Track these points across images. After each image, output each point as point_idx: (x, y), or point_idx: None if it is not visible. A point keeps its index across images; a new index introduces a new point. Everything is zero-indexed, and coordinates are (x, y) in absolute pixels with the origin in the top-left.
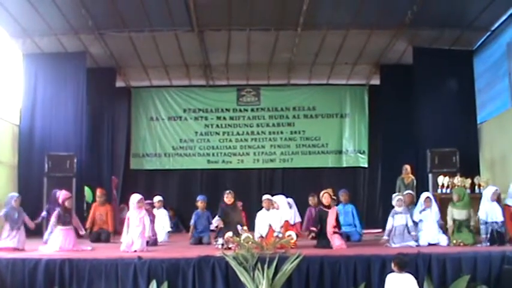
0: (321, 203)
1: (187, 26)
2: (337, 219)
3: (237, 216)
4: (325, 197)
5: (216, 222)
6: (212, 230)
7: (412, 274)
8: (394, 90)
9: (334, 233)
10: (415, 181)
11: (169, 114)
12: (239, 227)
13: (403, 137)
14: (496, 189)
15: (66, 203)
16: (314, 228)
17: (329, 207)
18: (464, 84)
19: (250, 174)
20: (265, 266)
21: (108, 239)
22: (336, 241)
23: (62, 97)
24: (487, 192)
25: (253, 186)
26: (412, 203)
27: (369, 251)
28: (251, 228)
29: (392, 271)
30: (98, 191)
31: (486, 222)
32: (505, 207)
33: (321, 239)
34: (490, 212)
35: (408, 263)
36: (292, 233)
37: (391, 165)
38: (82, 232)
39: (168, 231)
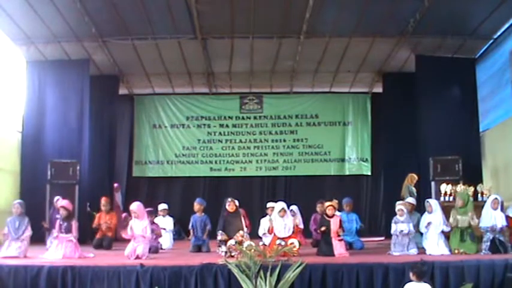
0: (324, 213)
1: (190, 33)
2: (340, 225)
3: (239, 223)
4: (330, 209)
5: (220, 236)
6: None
7: (430, 284)
8: (396, 98)
9: (339, 240)
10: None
11: (172, 122)
12: (240, 232)
13: (406, 145)
14: (496, 198)
15: (60, 211)
16: (322, 229)
17: (332, 216)
18: (466, 92)
19: (252, 182)
20: (268, 274)
21: (110, 246)
22: (339, 249)
23: (65, 104)
24: (488, 201)
25: (256, 194)
26: (412, 210)
27: (372, 259)
28: (254, 234)
29: (410, 280)
30: (103, 200)
31: (487, 231)
32: (508, 219)
33: (323, 245)
34: (491, 220)
35: (427, 272)
36: (295, 241)
37: (393, 173)
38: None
39: (173, 238)
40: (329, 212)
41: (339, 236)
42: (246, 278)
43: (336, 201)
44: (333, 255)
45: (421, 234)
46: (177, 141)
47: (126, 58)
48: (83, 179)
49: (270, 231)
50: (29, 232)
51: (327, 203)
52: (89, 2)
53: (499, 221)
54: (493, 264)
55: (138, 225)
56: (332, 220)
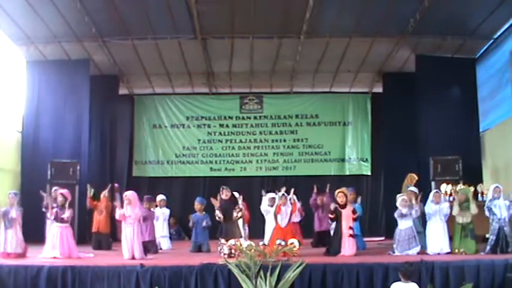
0: (335, 203)
1: (190, 33)
2: (353, 217)
3: (236, 229)
4: (340, 196)
5: (217, 213)
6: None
7: (418, 284)
8: (396, 98)
9: (350, 235)
10: None
11: (172, 122)
12: (236, 194)
13: (406, 145)
14: (497, 186)
15: (58, 198)
16: (331, 216)
17: (344, 206)
18: (467, 92)
19: (253, 182)
20: (268, 274)
21: (109, 246)
22: (348, 248)
23: (65, 104)
24: (490, 190)
25: (256, 194)
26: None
27: (372, 259)
28: (254, 233)
29: (398, 280)
30: (107, 190)
31: (494, 216)
32: None
33: (333, 245)
34: (495, 208)
35: (414, 272)
36: (295, 241)
37: (393, 173)
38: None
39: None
40: (339, 199)
41: (351, 228)
42: (246, 278)
43: (345, 188)
44: (339, 252)
45: (424, 234)
46: (177, 141)
47: (126, 58)
48: (83, 179)
49: (278, 209)
50: (19, 216)
51: (337, 190)
52: (89, 2)
53: (503, 208)
54: (493, 264)
55: (129, 212)
56: (344, 212)
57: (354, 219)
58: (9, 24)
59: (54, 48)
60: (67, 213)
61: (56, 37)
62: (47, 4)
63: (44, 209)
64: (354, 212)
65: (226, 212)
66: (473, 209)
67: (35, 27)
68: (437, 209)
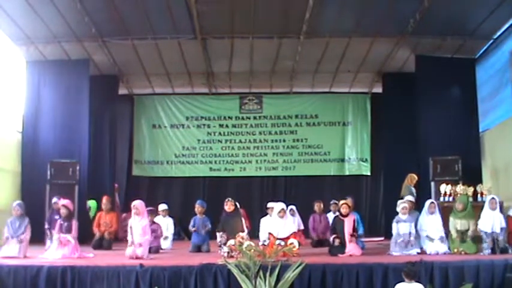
0: (339, 212)
1: (190, 33)
2: (354, 227)
3: (237, 223)
4: (344, 207)
5: (220, 238)
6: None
7: (422, 284)
8: (396, 98)
9: (351, 240)
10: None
11: (171, 122)
12: (241, 234)
13: (406, 145)
14: (493, 198)
15: (61, 210)
16: (335, 237)
17: (346, 215)
18: (466, 93)
19: (252, 182)
20: (267, 274)
21: (110, 247)
22: (351, 247)
23: (65, 104)
24: (486, 202)
25: (256, 194)
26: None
27: (372, 259)
28: (254, 234)
29: (399, 281)
30: (104, 199)
31: (486, 233)
32: (508, 219)
33: (336, 246)
34: (490, 221)
35: (417, 272)
36: (295, 241)
37: (393, 173)
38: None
39: (172, 239)
40: (343, 210)
41: (353, 236)
42: (245, 278)
43: (350, 199)
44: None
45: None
46: (176, 141)
47: (126, 58)
48: (83, 179)
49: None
50: (28, 234)
51: (342, 201)
52: (89, 2)
53: (497, 221)
54: (492, 265)
55: (138, 224)
56: (346, 220)
57: (355, 236)
58: (9, 24)
59: (54, 48)
60: (73, 229)
61: (56, 37)
62: (47, 4)
63: (47, 225)
64: (354, 229)
65: (227, 225)
66: (473, 231)
67: (35, 27)
68: (431, 220)
